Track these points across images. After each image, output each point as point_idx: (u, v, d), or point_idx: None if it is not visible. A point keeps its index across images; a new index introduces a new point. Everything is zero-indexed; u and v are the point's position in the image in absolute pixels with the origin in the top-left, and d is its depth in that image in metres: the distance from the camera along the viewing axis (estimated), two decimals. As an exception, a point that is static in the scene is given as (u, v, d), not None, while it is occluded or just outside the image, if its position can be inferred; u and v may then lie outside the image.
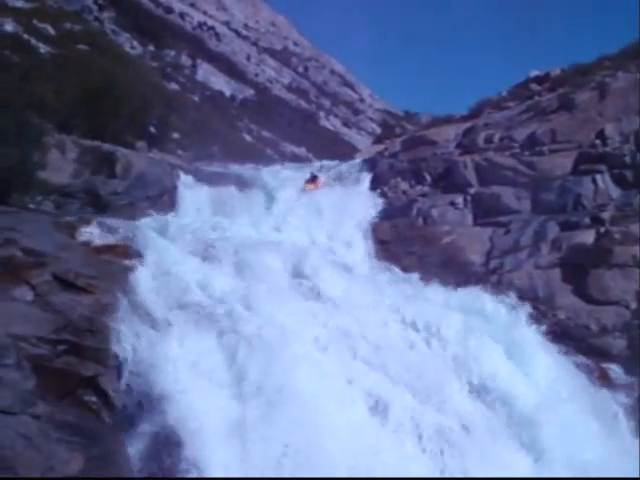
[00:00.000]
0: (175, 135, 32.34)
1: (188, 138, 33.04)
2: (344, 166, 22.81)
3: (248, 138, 45.43)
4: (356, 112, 61.81)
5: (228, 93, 51.63)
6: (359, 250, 16.77)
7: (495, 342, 11.61)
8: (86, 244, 10.97)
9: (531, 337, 12.20)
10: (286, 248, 13.47)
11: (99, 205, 15.39)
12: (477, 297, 12.72)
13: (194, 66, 51.27)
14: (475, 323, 11.80)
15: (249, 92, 53.39)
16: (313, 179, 20.02)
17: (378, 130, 55.48)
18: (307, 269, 12.21)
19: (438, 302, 12.55)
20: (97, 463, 6.90)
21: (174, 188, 17.26)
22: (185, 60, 50.32)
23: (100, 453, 7.06)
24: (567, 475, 9.64)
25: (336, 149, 43.71)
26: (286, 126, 50.66)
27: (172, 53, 49.20)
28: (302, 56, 64.84)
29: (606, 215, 15.20)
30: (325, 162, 25.71)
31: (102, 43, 27.51)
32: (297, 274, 12.10)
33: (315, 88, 60.62)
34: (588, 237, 14.95)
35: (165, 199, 16.84)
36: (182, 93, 42.91)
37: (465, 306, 12.40)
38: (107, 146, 16.85)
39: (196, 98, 46.09)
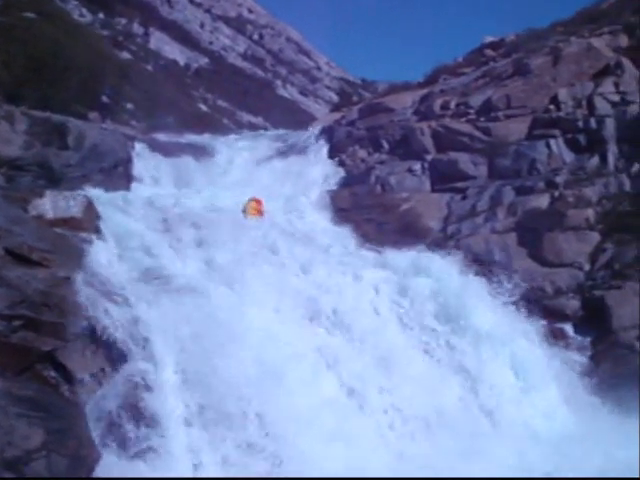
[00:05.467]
0: (129, 105, 31.62)
1: (142, 108, 32.35)
2: (301, 135, 22.69)
3: (204, 108, 44.72)
4: (313, 80, 61.28)
5: (182, 62, 50.59)
6: (318, 219, 16.78)
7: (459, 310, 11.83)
8: (39, 217, 10.71)
9: (487, 303, 12.49)
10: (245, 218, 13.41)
11: (52, 178, 15.00)
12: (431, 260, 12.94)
13: (146, 34, 50.00)
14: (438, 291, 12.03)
15: (204, 61, 52.39)
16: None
17: (335, 98, 55.16)
18: (268, 239, 12.19)
19: (400, 268, 12.67)
20: (57, 437, 6.84)
21: (129, 159, 16.95)
22: (137, 28, 49.02)
23: (60, 427, 7.01)
24: (526, 440, 9.90)
25: (293, 118, 43.36)
26: (242, 95, 50.00)
27: (123, 21, 47.84)
28: (257, 23, 63.82)
29: (560, 179, 15.48)
30: (283, 131, 25.56)
31: (50, 11, 26.55)
32: (258, 244, 12.07)
33: (271, 56, 59.82)
34: (542, 201, 15.23)
35: (120, 170, 16.53)
36: (135, 62, 41.87)
37: (423, 270, 12.61)
38: (58, 117, 16.38)
39: (149, 67, 45.05)
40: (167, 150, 18.24)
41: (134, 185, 16.36)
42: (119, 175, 16.35)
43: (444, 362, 10.96)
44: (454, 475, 7.92)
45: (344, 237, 15.36)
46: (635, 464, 6.44)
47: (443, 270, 12.70)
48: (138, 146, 17.63)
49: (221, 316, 8.95)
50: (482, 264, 14.38)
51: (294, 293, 10.52)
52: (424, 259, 13.00)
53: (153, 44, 49.62)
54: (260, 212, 14.58)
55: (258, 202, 14.78)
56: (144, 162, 17.17)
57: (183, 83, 47.29)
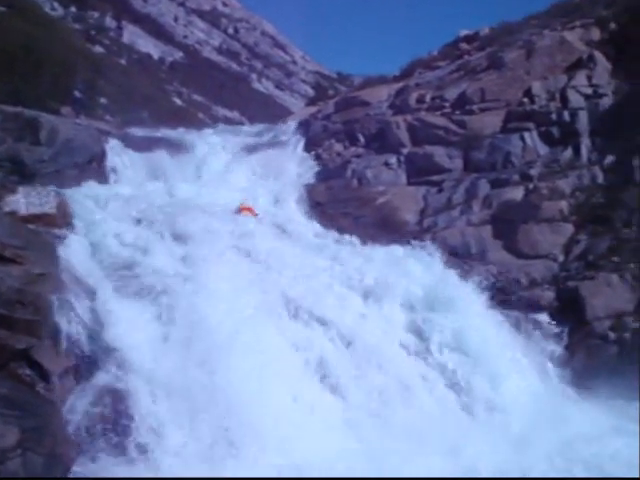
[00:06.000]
0: (102, 100, 31.30)
1: (116, 103, 32.05)
2: (277, 129, 22.62)
3: (179, 102, 44.41)
4: (289, 74, 61.11)
5: (156, 56, 50.15)
6: (295, 213, 16.76)
7: (430, 299, 11.90)
8: (12, 214, 10.57)
9: (462, 292, 12.59)
10: (221, 212, 13.35)
11: (24, 174, 14.76)
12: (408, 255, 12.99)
13: (120, 28, 49.47)
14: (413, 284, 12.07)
15: (178, 55, 51.99)
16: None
17: (311, 92, 55.05)
18: (245, 233, 12.15)
19: (378, 262, 12.71)
20: (33, 435, 6.77)
21: (103, 154, 16.73)
22: (110, 22, 48.45)
23: (36, 425, 6.94)
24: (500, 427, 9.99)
25: (269, 112, 43.24)
26: (217, 89, 49.74)
27: (96, 15, 47.26)
28: (232, 17, 63.44)
29: (534, 172, 15.62)
30: (258, 125, 25.46)
31: (21, 4, 26.17)
32: (235, 238, 12.02)
33: (246, 50, 59.52)
34: (517, 193, 15.36)
35: (94, 166, 16.32)
36: (108, 56, 41.42)
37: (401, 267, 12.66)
38: (30, 112, 16.12)
39: (123, 61, 44.59)
40: (142, 145, 18.04)
41: (109, 180, 16.16)
42: (93, 170, 16.13)
43: (421, 356, 11.00)
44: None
45: (322, 231, 15.40)
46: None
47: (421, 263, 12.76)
48: (112, 141, 17.42)
49: (196, 314, 8.90)
50: (458, 256, 14.49)
51: (272, 288, 10.48)
52: (401, 252, 13.06)
53: (126, 38, 49.13)
54: (252, 212, 15.25)
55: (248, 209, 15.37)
56: (118, 157, 16.96)
57: (157, 77, 46.93)
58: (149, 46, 50.36)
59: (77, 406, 7.73)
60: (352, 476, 7.69)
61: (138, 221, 11.73)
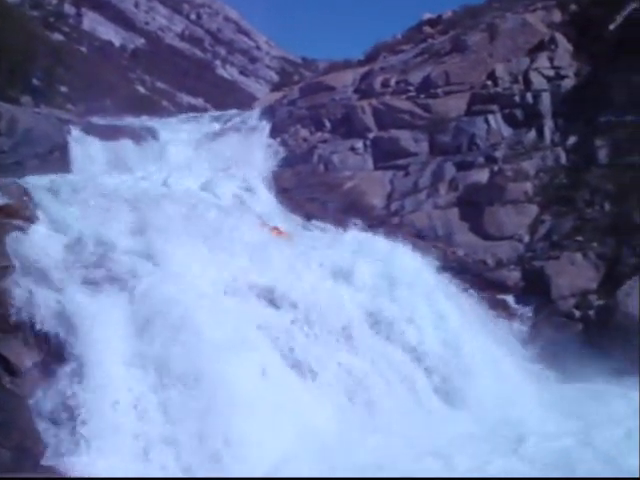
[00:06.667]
0: (63, 88, 30.73)
1: (78, 91, 31.48)
2: (243, 115, 22.45)
3: (142, 90, 43.79)
4: (253, 60, 60.62)
5: (118, 43, 49.33)
6: (262, 199, 16.69)
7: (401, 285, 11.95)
8: (-28, 206, 10.34)
9: (432, 277, 12.67)
10: (187, 200, 13.22)
11: (-16, 165, 14.48)
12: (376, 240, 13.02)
13: (79, 15, 48.50)
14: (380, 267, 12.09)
15: (140, 42, 51.19)
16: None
17: (276, 78, 54.71)
18: (213, 220, 12.03)
19: (345, 245, 12.71)
20: (0, 430, 6.68)
21: (65, 144, 16.43)
22: (68, 9, 47.45)
23: (3, 419, 6.88)
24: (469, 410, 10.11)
25: (234, 98, 42.89)
26: (181, 76, 49.15)
27: (54, 1, 46.26)
28: (194, 3, 62.58)
29: (499, 154, 15.78)
30: (223, 112, 25.23)
31: (-25, -9, 25.52)
32: (203, 226, 11.88)
33: (209, 36, 58.84)
34: (482, 176, 15.51)
35: (56, 156, 16.02)
36: (68, 44, 40.59)
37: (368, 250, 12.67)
38: (-12, 102, 15.80)
39: (83, 49, 43.78)
40: (105, 134, 17.75)
41: (72, 170, 15.89)
42: (55, 160, 15.84)
43: (391, 339, 11.06)
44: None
45: (289, 217, 15.37)
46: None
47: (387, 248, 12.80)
48: (74, 130, 17.11)
49: (161, 301, 8.82)
50: (425, 239, 14.60)
51: (240, 274, 10.43)
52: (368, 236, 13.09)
53: (86, 25, 48.23)
54: (281, 233, 13.75)
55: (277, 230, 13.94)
56: (81, 146, 16.67)
57: (119, 65, 46.20)
58: (110, 33, 49.53)
59: (45, 400, 7.63)
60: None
61: (102, 210, 11.53)
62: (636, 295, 11.92)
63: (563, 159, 15.27)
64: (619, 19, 15.97)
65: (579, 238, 13.59)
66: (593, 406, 10.10)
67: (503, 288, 13.75)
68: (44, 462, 7.01)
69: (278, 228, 14.01)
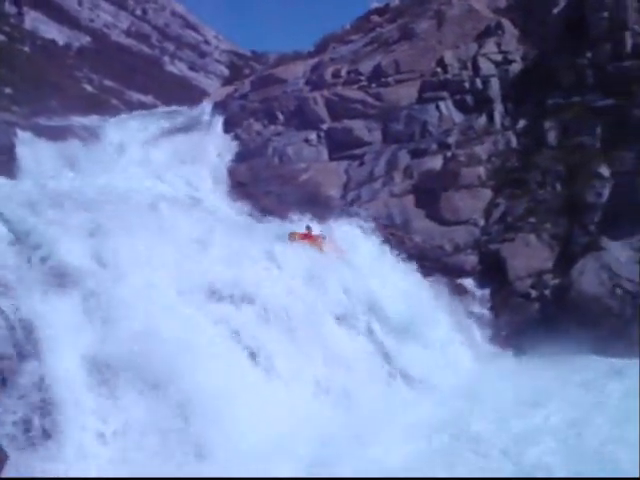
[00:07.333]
0: (7, 90, 29.90)
1: (23, 92, 30.63)
2: (194, 111, 22.22)
3: (89, 88, 42.87)
4: (202, 55, 59.87)
5: (62, 42, 48.14)
6: (216, 195, 16.56)
7: (359, 270, 12.01)
8: None
9: (390, 262, 12.78)
10: (141, 199, 13.03)
11: None
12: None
13: (20, 14, 47.15)
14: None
15: (85, 40, 50.05)
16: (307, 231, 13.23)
17: (226, 72, 54.15)
18: (166, 216, 11.84)
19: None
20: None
21: (12, 147, 16.04)
22: (9, 7, 46.14)
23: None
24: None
25: (185, 94, 42.28)
26: (129, 74, 48.25)
27: (-7, 0, 44.93)
28: (139, -2, 61.50)
29: (451, 140, 15.93)
30: (174, 108, 24.93)
31: None
32: (158, 224, 11.70)
33: (156, 32, 57.86)
34: (436, 162, 15.64)
35: (3, 159, 15.62)
36: (9, 44, 39.51)
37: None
38: None
39: (27, 49, 42.65)
40: (53, 135, 17.39)
41: (20, 173, 15.50)
42: (2, 164, 15.44)
43: (353, 326, 11.11)
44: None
45: (245, 211, 15.26)
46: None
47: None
48: (21, 132, 16.70)
49: (116, 302, 8.69)
50: (383, 227, 14.67)
51: (195, 270, 10.31)
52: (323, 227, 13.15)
53: (28, 24, 46.93)
54: (310, 238, 12.79)
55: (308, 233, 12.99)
56: (29, 149, 16.27)
57: (65, 64, 45.13)
58: (53, 32, 48.30)
59: (6, 405, 7.44)
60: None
61: (53, 212, 11.23)
62: (589, 273, 12.18)
63: (514, 142, 15.49)
64: (562, 2, 16.22)
65: (532, 220, 13.81)
66: (549, 380, 10.34)
67: (461, 272, 13.91)
68: (9, 467, 6.84)
69: (309, 231, 12.98)
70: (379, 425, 8.85)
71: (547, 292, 12.70)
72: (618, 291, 11.80)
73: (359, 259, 12.12)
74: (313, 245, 12.54)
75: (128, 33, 55.58)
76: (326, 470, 7.61)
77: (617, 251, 12.28)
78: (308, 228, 13.05)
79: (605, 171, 13.32)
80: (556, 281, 12.73)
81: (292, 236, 12.62)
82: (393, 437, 8.53)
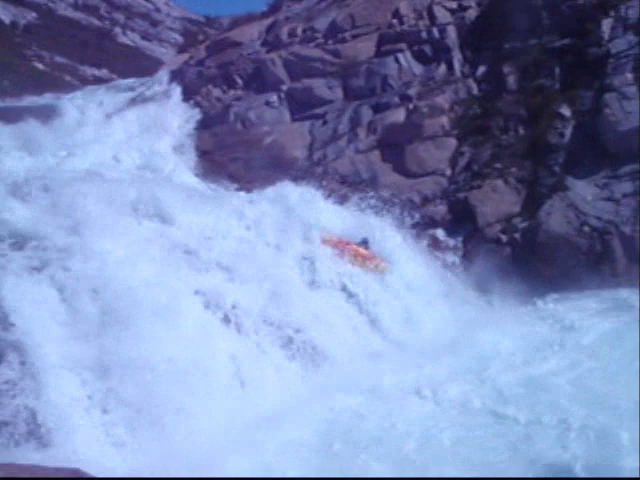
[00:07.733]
0: (-45, 74, 29.03)
1: (-29, 75, 29.82)
2: (151, 81, 21.79)
3: (41, 66, 41.77)
4: (154, 24, 58.49)
5: (7, 20, 46.67)
6: (181, 165, 16.37)
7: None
8: None
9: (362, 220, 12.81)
10: (105, 176, 12.83)
11: None
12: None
13: (-40, -7, 45.61)
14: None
15: (31, 16, 48.56)
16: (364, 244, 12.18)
17: (180, 40, 52.99)
18: (133, 193, 11.68)
19: (266, 203, 12.62)
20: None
21: (-34, 131, 15.64)
22: (-52, -12, 44.56)
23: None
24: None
25: (139, 65, 41.42)
26: (81, 48, 47.04)
27: None
28: (83, -31, 59.65)
29: (412, 92, 15.88)
30: (130, 80, 24.42)
31: None
32: (124, 201, 11.54)
33: (105, 3, 56.33)
34: (399, 116, 15.61)
35: (-42, 145, 15.25)
36: (-47, 26, 38.21)
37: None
38: None
39: (-29, 30, 41.30)
40: (8, 116, 16.94)
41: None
42: (-42, 150, 15.08)
43: (328, 286, 11.14)
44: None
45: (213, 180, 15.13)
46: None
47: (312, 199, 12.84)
48: (-26, 116, 16.27)
49: (96, 281, 8.60)
50: (351, 185, 14.68)
51: (168, 243, 10.25)
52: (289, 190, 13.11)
53: (-30, 3, 45.43)
54: (336, 244, 11.81)
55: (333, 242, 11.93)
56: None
57: (13, 43, 43.82)
58: (-3, 10, 46.78)
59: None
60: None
61: (20, 197, 11.01)
62: (556, 213, 12.36)
63: (475, 89, 15.51)
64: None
65: (498, 165, 13.92)
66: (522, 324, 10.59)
67: (432, 223, 14.00)
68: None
69: (360, 249, 11.83)
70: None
71: (517, 236, 12.86)
72: (586, 229, 12.00)
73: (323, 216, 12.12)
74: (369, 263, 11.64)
75: (75, 6, 54.03)
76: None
77: (582, 190, 12.46)
78: (365, 242, 11.98)
79: (566, 111, 13.43)
80: (525, 224, 12.89)
81: (327, 242, 11.57)
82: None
